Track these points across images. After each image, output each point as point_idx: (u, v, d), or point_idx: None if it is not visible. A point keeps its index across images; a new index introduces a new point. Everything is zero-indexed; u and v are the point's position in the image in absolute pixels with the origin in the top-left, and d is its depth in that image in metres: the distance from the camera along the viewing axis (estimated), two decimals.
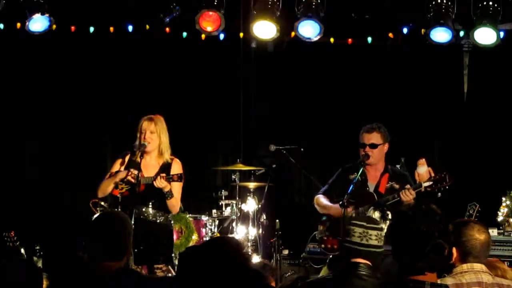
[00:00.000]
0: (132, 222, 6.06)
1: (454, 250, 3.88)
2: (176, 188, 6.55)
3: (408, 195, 6.36)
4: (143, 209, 6.53)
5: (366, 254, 3.92)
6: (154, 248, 6.50)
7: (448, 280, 3.84)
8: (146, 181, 6.47)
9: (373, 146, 6.69)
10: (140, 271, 6.45)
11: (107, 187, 6.53)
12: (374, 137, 6.71)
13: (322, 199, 6.87)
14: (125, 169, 6.55)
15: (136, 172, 6.39)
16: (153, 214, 6.56)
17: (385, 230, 6.43)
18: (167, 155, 6.62)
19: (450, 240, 3.88)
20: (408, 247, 3.41)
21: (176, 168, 6.61)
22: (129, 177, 6.42)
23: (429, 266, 3.40)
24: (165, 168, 6.59)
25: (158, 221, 6.57)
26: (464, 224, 4.02)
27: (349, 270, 3.90)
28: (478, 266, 3.94)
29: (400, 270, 3.46)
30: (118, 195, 6.53)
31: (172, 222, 6.76)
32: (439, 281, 3.54)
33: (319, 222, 6.90)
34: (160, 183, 6.39)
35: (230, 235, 8.17)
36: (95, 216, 4.16)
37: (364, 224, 3.98)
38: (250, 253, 8.05)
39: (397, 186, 6.69)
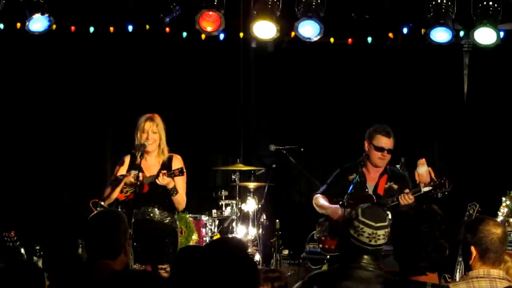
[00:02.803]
0: (132, 222, 6.12)
1: (472, 249, 3.83)
2: (180, 183, 6.58)
3: (407, 199, 6.35)
4: (149, 210, 6.56)
5: (373, 252, 3.88)
6: (158, 248, 6.51)
7: (462, 285, 3.80)
8: (149, 180, 6.49)
9: (390, 151, 6.67)
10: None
11: (112, 194, 6.56)
12: (391, 143, 6.68)
13: (320, 199, 6.86)
14: (126, 172, 6.58)
15: (136, 172, 6.39)
16: (158, 214, 6.58)
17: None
18: (165, 153, 6.64)
19: (466, 240, 3.86)
20: (410, 247, 3.40)
21: (177, 163, 6.64)
22: (130, 178, 6.44)
23: (430, 266, 3.39)
24: (166, 165, 6.61)
25: (163, 221, 6.59)
26: (479, 221, 3.93)
27: (353, 262, 3.88)
28: (495, 272, 3.83)
29: (401, 270, 3.46)
30: (123, 199, 6.55)
31: (177, 222, 6.78)
32: (451, 285, 3.53)
33: (318, 222, 6.90)
34: (162, 180, 6.41)
35: (231, 235, 8.17)
36: (91, 215, 4.17)
37: (373, 224, 3.84)
38: (252, 253, 8.06)
39: (395, 187, 6.68)
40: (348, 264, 3.89)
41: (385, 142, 6.63)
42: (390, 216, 6.42)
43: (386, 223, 3.89)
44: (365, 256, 3.84)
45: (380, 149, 6.63)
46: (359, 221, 3.89)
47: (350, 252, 3.90)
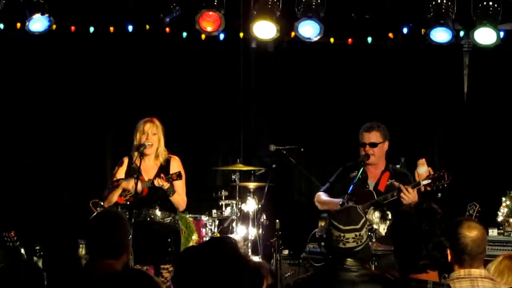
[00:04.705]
0: (132, 223, 6.12)
1: (448, 251, 3.83)
2: (179, 185, 6.59)
3: (406, 194, 6.34)
4: (150, 211, 6.56)
5: (345, 254, 3.89)
6: (160, 248, 6.51)
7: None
8: (146, 184, 6.49)
9: (373, 145, 6.68)
10: (146, 271, 6.47)
11: (112, 198, 6.58)
12: (374, 136, 6.71)
13: (322, 196, 6.88)
14: (125, 174, 6.58)
15: (133, 183, 6.38)
16: (160, 215, 6.60)
17: (383, 231, 6.47)
18: (164, 155, 6.65)
19: (444, 242, 3.86)
20: (410, 245, 3.41)
21: (176, 165, 6.64)
22: (128, 186, 6.45)
23: (431, 264, 3.40)
24: (164, 167, 6.62)
25: (165, 222, 6.60)
26: (456, 224, 3.94)
27: (336, 263, 3.88)
28: (476, 272, 3.84)
29: (402, 268, 3.47)
30: (123, 203, 6.56)
31: (179, 222, 6.78)
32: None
33: (319, 219, 6.90)
34: (159, 183, 6.42)
35: (228, 235, 8.16)
36: (93, 215, 4.16)
37: (341, 227, 3.87)
38: (248, 252, 8.05)
39: (397, 184, 6.68)
40: (331, 267, 3.90)
41: (366, 137, 6.70)
42: (390, 216, 6.48)
43: (357, 226, 3.89)
44: (348, 259, 3.85)
45: (362, 145, 6.70)
46: (330, 224, 3.92)
47: (332, 255, 3.92)
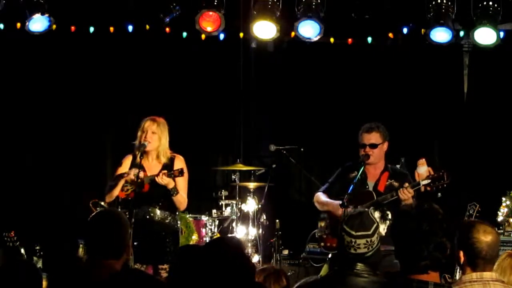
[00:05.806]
0: (132, 222, 6.12)
1: (461, 253, 3.82)
2: (181, 184, 6.57)
3: (406, 194, 6.34)
4: (150, 209, 6.55)
5: (356, 260, 3.87)
6: (159, 248, 6.51)
7: None
8: (149, 179, 6.48)
9: (373, 146, 6.67)
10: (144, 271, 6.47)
11: (113, 192, 6.55)
12: (374, 137, 6.69)
13: (321, 196, 6.87)
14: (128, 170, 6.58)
15: (136, 171, 6.39)
16: (159, 214, 6.58)
17: (383, 231, 6.46)
18: (167, 154, 6.63)
19: (457, 243, 3.85)
20: (411, 245, 3.40)
21: (179, 163, 6.62)
22: (131, 176, 6.43)
23: (432, 265, 3.39)
24: (168, 166, 6.60)
25: (164, 221, 6.59)
26: (470, 226, 3.92)
27: (346, 268, 3.87)
28: (488, 275, 3.82)
29: (403, 269, 3.46)
30: (124, 197, 6.54)
31: (179, 222, 6.77)
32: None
33: (319, 220, 6.90)
34: (162, 180, 6.41)
35: (230, 235, 8.17)
36: (92, 215, 4.14)
37: (352, 233, 3.85)
38: (250, 254, 8.06)
39: (396, 184, 6.67)
40: (342, 271, 3.88)
41: (366, 138, 6.67)
42: (390, 216, 6.48)
43: (369, 232, 3.86)
44: (359, 263, 3.83)
45: (362, 146, 6.68)
46: (341, 229, 3.89)
47: (343, 259, 3.90)
